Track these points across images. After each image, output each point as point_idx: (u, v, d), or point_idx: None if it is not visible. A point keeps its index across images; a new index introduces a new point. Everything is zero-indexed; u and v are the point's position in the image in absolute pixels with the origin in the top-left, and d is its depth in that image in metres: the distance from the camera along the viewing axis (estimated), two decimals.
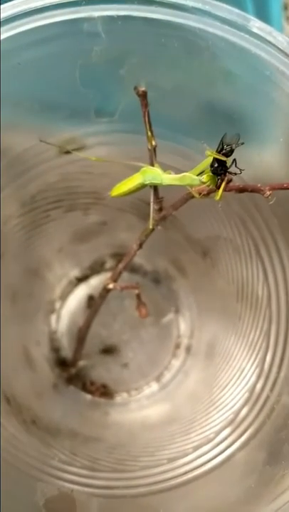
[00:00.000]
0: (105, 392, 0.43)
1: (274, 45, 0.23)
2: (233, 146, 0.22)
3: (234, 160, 0.23)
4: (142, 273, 0.46)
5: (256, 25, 0.24)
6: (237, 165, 0.23)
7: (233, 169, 0.23)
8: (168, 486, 0.29)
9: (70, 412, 0.39)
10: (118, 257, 0.45)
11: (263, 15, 0.41)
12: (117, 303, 0.43)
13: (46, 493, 0.27)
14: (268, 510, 0.24)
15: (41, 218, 0.37)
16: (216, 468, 0.29)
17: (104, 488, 0.29)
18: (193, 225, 0.38)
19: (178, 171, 0.26)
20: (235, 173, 0.23)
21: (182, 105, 0.29)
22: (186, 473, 0.29)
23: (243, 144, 0.22)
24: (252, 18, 0.23)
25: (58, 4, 0.24)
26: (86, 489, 0.29)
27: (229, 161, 0.22)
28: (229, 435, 0.30)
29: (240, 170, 0.23)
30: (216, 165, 0.22)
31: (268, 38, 0.23)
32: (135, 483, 0.29)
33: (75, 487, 0.28)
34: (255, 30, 0.24)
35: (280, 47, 0.23)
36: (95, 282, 0.46)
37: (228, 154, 0.22)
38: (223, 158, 0.22)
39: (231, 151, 0.22)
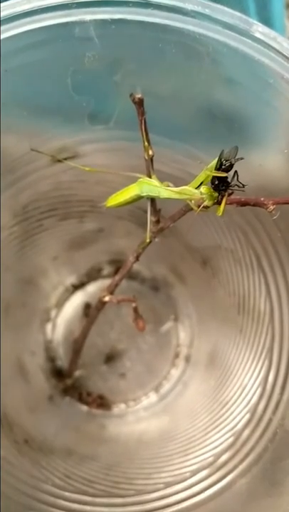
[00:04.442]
0: (102, 403, 0.42)
1: (278, 51, 0.22)
2: (232, 160, 0.21)
3: (236, 172, 0.21)
4: (140, 280, 0.44)
5: (259, 29, 0.22)
6: (239, 177, 0.22)
7: (235, 183, 0.22)
8: None
9: (65, 426, 0.38)
10: (115, 263, 0.44)
11: (264, 14, 0.40)
12: (114, 311, 0.42)
13: None
14: None
15: (34, 228, 0.36)
16: (215, 496, 0.27)
17: None
18: (193, 233, 0.36)
19: (176, 180, 0.25)
20: (238, 187, 0.22)
21: (181, 112, 0.28)
22: (183, 500, 0.28)
23: (242, 158, 0.21)
24: (255, 22, 0.22)
25: (47, 7, 0.22)
26: None
27: (229, 176, 0.21)
28: (229, 460, 0.29)
29: (243, 185, 0.22)
30: (216, 182, 0.21)
31: (272, 43, 0.22)
32: (131, 510, 0.28)
33: None
34: (258, 35, 0.22)
35: (285, 53, 0.22)
36: (92, 289, 0.44)
37: (228, 170, 0.21)
38: (223, 175, 0.21)
39: (231, 166, 0.21)
